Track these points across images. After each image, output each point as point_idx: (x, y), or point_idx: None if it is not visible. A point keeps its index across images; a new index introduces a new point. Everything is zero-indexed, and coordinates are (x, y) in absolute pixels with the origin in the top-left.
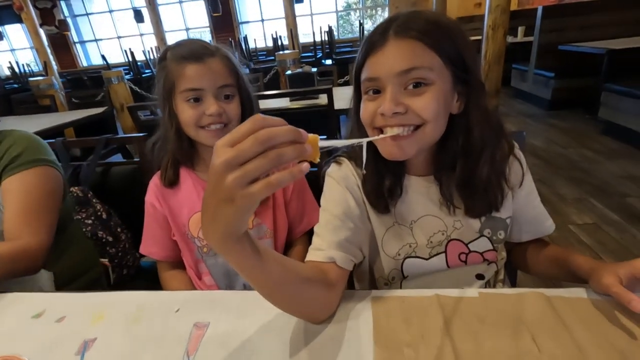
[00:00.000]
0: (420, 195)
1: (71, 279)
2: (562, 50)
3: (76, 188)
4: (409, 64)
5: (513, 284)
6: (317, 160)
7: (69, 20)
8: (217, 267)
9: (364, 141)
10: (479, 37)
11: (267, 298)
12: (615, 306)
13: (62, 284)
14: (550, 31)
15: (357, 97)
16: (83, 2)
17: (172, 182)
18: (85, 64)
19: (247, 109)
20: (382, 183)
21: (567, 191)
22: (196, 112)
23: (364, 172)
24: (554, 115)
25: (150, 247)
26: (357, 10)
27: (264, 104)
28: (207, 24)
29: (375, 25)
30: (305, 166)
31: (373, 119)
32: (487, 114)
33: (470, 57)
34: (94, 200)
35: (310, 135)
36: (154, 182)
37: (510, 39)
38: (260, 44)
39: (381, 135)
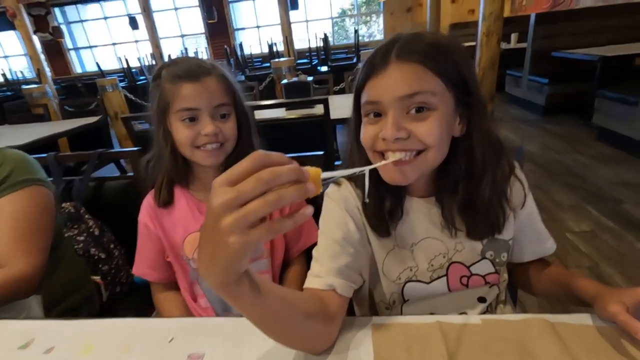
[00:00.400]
0: (421, 215)
1: (62, 298)
2: (555, 57)
3: (68, 204)
4: (411, 88)
5: (514, 303)
6: (319, 193)
7: (63, 27)
8: (212, 290)
9: (366, 169)
10: (473, 44)
11: (265, 332)
12: (621, 334)
13: (53, 303)
14: (543, 37)
15: (357, 118)
16: (77, 9)
17: (166, 202)
18: (79, 70)
19: (244, 126)
20: (383, 205)
21: (563, 197)
22: (192, 132)
23: (367, 200)
24: (549, 120)
25: (144, 268)
26: (352, 17)
27: (260, 114)
28: (203, 31)
29: (372, 40)
30: (310, 211)
31: (374, 143)
32: (489, 135)
33: (472, 79)
34: (86, 217)
35: (312, 169)
36: (148, 201)
37: (503, 46)
38: (256, 51)
39: (383, 162)
